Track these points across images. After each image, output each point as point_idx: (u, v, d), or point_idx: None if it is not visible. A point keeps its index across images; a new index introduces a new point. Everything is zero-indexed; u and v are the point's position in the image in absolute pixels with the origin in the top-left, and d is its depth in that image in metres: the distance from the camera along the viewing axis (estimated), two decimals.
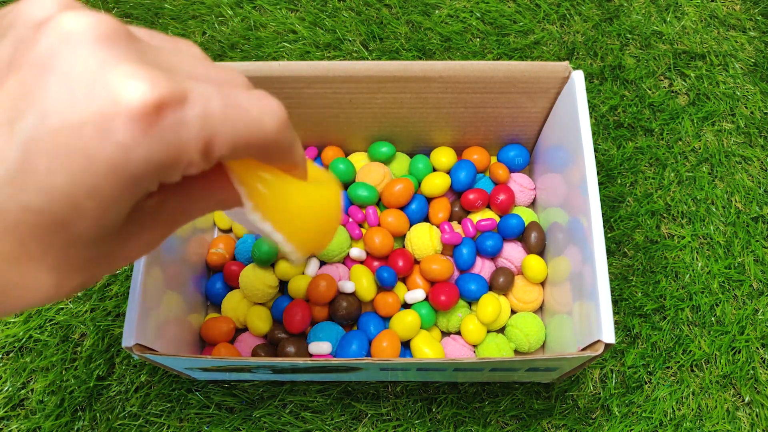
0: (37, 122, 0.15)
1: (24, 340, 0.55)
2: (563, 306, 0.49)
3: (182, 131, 0.16)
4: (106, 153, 0.15)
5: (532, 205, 0.60)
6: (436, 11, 0.73)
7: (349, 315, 0.52)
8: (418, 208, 0.57)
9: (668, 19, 0.73)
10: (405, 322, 0.51)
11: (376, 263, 0.55)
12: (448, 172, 0.59)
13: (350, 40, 0.71)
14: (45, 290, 0.17)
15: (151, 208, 0.19)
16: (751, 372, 0.55)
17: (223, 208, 0.22)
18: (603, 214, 0.58)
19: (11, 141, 0.15)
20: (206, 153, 0.17)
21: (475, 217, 0.57)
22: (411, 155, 0.61)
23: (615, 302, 0.58)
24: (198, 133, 0.16)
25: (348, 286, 0.52)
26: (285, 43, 0.70)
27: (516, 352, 0.53)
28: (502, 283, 0.53)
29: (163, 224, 0.20)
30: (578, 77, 0.48)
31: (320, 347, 0.50)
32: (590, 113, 0.66)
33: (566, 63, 0.49)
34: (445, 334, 0.55)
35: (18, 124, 0.15)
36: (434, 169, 0.60)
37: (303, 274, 0.54)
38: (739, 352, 0.56)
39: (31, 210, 0.15)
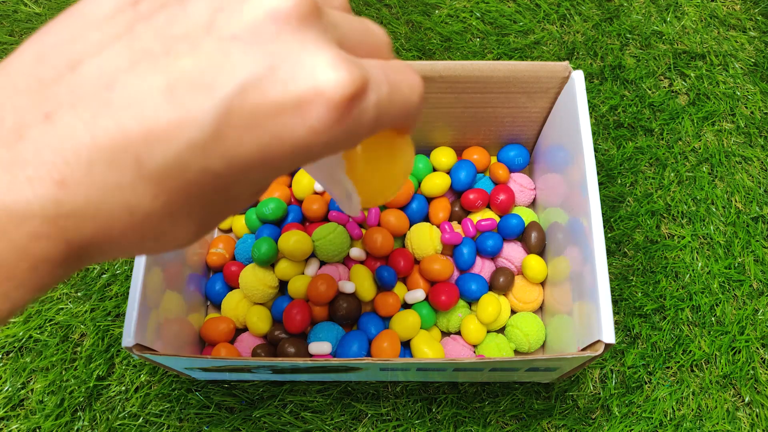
0: (236, 94, 0.15)
1: (24, 340, 0.55)
2: (563, 306, 0.49)
3: (362, 118, 0.17)
4: (296, 135, 0.16)
5: (532, 205, 0.60)
6: (436, 11, 0.73)
7: (349, 315, 0.52)
8: (418, 208, 0.57)
9: (668, 19, 0.73)
10: (405, 322, 0.51)
11: (376, 263, 0.55)
12: (448, 172, 0.59)
13: None
14: (184, 239, 0.18)
15: None
16: (751, 372, 0.55)
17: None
18: (603, 214, 0.58)
19: (208, 106, 0.15)
20: (370, 133, 0.18)
21: (475, 217, 0.57)
22: None
23: (615, 302, 0.58)
24: (372, 119, 0.17)
25: (348, 286, 0.52)
26: None
27: (516, 352, 0.53)
28: (502, 283, 0.53)
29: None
30: (578, 77, 0.48)
31: (320, 347, 0.50)
32: (590, 113, 0.66)
33: (566, 63, 0.49)
34: (445, 334, 0.55)
35: (216, 91, 0.15)
36: (434, 169, 0.60)
37: (303, 274, 0.54)
38: (739, 352, 0.56)
39: (209, 173, 0.16)
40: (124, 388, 0.54)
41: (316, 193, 0.58)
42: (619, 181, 0.63)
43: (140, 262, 0.42)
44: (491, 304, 0.52)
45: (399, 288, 0.54)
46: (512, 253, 0.55)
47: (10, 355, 0.55)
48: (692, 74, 0.69)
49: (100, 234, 0.16)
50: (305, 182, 0.58)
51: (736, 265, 0.60)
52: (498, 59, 0.70)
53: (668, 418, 0.54)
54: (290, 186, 0.59)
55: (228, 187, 0.17)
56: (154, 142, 0.15)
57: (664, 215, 0.62)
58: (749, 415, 0.54)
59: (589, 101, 0.67)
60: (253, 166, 0.16)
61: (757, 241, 0.61)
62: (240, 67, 0.15)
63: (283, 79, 0.15)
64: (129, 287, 0.47)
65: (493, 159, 0.61)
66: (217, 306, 0.55)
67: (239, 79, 0.15)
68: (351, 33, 0.18)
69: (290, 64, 0.15)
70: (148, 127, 0.15)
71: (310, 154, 0.17)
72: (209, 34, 0.15)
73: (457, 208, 0.58)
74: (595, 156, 0.57)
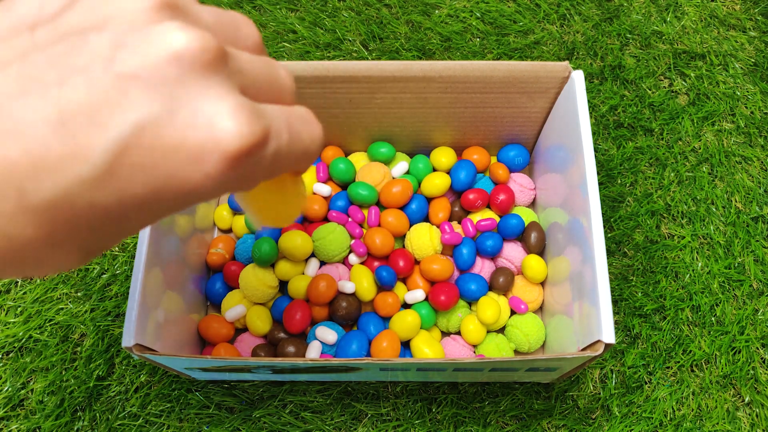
0: (131, 134, 0.15)
1: (24, 340, 0.55)
2: (563, 306, 0.49)
3: (258, 166, 0.17)
4: (191, 179, 0.16)
5: (532, 205, 0.60)
6: (436, 11, 0.73)
7: (349, 315, 0.52)
8: (418, 208, 0.57)
9: (668, 19, 0.73)
10: (405, 322, 0.51)
11: (376, 263, 0.55)
12: (448, 172, 0.59)
13: (350, 40, 0.71)
14: (68, 265, 0.17)
15: None
16: (751, 372, 0.55)
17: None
18: (603, 214, 0.58)
19: (101, 142, 0.14)
20: (265, 178, 0.18)
21: (475, 217, 0.57)
22: (411, 155, 0.61)
23: (615, 302, 0.58)
24: (268, 167, 0.18)
25: (348, 286, 0.52)
26: (285, 43, 0.70)
27: (516, 352, 0.53)
28: (502, 283, 0.53)
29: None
30: (578, 77, 0.48)
31: (326, 337, 0.50)
32: (590, 113, 0.66)
33: (566, 63, 0.49)
34: (445, 334, 0.55)
35: (111, 129, 0.14)
36: (434, 169, 0.60)
37: (303, 274, 0.54)
38: (739, 352, 0.56)
39: (98, 207, 0.15)
40: (124, 388, 0.54)
41: (316, 193, 0.58)
42: (619, 181, 0.63)
43: (140, 262, 0.42)
44: (491, 305, 0.52)
45: (399, 288, 0.54)
46: (512, 253, 0.55)
47: (10, 355, 0.55)
48: (692, 74, 0.69)
49: None
50: (305, 182, 0.58)
51: (736, 265, 0.60)
52: (498, 59, 0.70)
53: (668, 418, 0.54)
54: None
55: (118, 221, 0.16)
56: (40, 174, 0.14)
57: (664, 215, 0.62)
58: (749, 415, 0.54)
59: (589, 101, 0.67)
60: (145, 203, 0.16)
61: (757, 241, 0.61)
62: (137, 106, 0.15)
63: (181, 125, 0.15)
64: (129, 287, 0.47)
65: (493, 159, 0.61)
66: (217, 306, 0.55)
67: (135, 119, 0.15)
68: (257, 78, 0.18)
69: (190, 110, 0.15)
70: (34, 158, 0.14)
71: (204, 196, 0.17)
72: (108, 69, 0.15)
73: (457, 208, 0.58)
74: (595, 156, 0.57)
